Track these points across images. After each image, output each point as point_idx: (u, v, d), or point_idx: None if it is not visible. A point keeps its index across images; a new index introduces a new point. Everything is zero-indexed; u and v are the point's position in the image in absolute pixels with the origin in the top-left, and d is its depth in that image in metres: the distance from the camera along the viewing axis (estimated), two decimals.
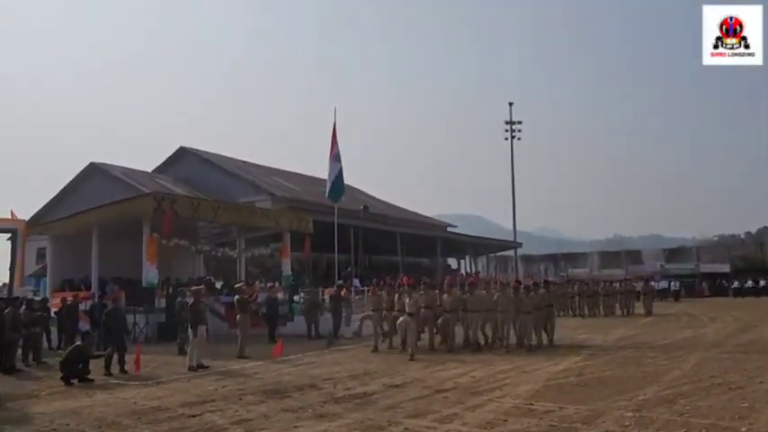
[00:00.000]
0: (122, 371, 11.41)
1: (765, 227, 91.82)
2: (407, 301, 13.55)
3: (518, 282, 15.77)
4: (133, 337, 16.69)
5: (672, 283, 42.56)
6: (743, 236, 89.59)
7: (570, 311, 25.40)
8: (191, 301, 12.66)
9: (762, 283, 43.32)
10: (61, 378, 10.41)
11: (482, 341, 14.14)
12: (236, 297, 14.97)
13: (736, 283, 44.66)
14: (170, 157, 37.84)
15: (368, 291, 17.79)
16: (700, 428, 6.18)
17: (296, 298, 21.62)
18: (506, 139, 46.59)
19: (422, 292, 14.45)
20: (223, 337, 15.92)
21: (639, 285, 28.27)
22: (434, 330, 14.36)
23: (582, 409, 7.22)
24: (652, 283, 32.36)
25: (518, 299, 13.78)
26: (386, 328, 14.80)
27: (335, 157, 22.74)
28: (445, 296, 14.29)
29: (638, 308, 25.94)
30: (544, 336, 14.44)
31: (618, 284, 27.12)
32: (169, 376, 10.99)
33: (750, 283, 43.69)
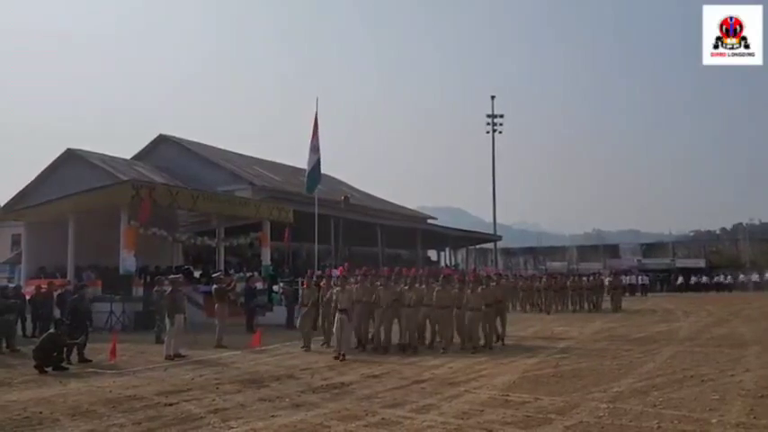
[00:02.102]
0: (83, 360, 11.27)
1: (740, 223, 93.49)
2: (341, 294, 11.90)
3: (461, 274, 14.10)
4: (109, 326, 16.56)
5: (640, 278, 41.57)
6: (718, 232, 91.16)
7: (537, 307, 24.43)
8: (168, 289, 12.56)
9: (728, 278, 44.16)
10: (35, 366, 10.28)
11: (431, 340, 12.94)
12: (214, 286, 14.89)
13: (681, 279, 45.23)
14: (149, 145, 37.31)
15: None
16: (672, 420, 6.28)
17: (275, 288, 21.53)
18: (488, 132, 46.71)
19: (356, 284, 12.68)
20: (201, 326, 15.79)
21: (608, 279, 27.10)
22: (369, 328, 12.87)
23: (557, 400, 7.30)
24: (622, 277, 31.29)
25: (462, 294, 12.46)
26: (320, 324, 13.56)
27: (314, 148, 22.53)
28: (381, 290, 12.52)
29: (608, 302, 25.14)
30: (496, 334, 13.24)
31: (586, 279, 25.92)
32: (145, 365, 10.91)
33: (701, 278, 44.45)
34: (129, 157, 36.65)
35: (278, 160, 44.45)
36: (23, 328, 15.89)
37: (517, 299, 24.78)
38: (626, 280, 36.57)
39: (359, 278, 12.99)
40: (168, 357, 11.52)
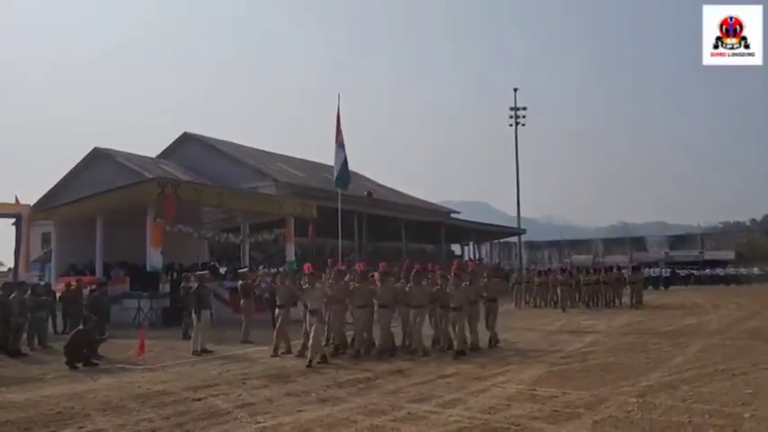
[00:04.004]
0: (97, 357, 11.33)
1: None
2: (311, 294, 10.73)
3: (429, 267, 12.79)
4: (137, 323, 16.81)
5: (663, 270, 40.51)
6: (748, 223, 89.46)
7: (551, 303, 23.16)
8: (195, 286, 12.68)
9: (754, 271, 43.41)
10: (66, 362, 10.45)
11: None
12: (240, 282, 15.01)
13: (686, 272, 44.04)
14: (174, 143, 37.79)
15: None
16: (703, 414, 6.17)
17: None
18: (511, 125, 46.45)
19: (330, 281, 11.50)
20: (227, 321, 15.96)
21: (627, 273, 24.80)
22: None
23: (585, 394, 7.22)
24: (643, 270, 29.52)
25: (439, 291, 11.43)
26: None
27: (340, 144, 22.55)
28: (356, 288, 11.45)
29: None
30: (478, 335, 11.67)
31: (603, 273, 23.90)
32: (173, 361, 11.02)
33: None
34: (154, 155, 37.13)
35: (301, 157, 44.71)
36: (54, 325, 16.17)
37: (529, 294, 24.18)
38: (648, 273, 35.38)
39: (332, 275, 11.77)
40: (195, 353, 11.63)
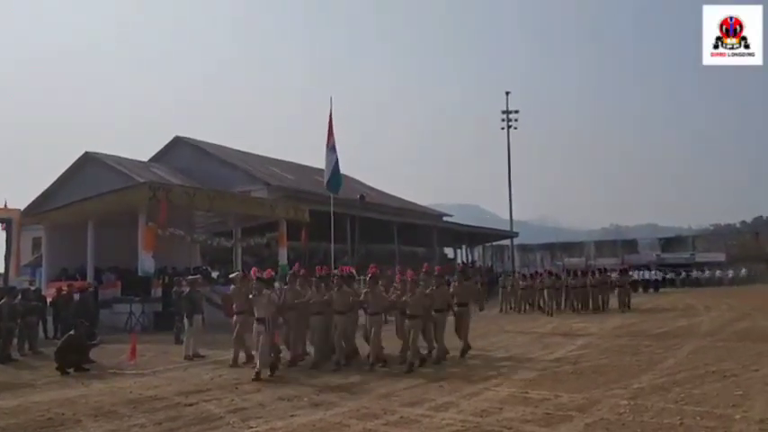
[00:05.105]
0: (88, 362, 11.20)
1: (761, 216, 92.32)
2: (258, 300, 9.67)
3: (395, 271, 11.79)
4: (129, 327, 16.72)
5: (653, 273, 40.25)
6: (738, 225, 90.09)
7: (537, 307, 22.47)
8: (187, 290, 12.65)
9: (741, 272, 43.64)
10: (57, 367, 10.39)
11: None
12: (232, 286, 14.95)
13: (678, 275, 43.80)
14: (165, 147, 37.66)
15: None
16: (694, 416, 6.20)
17: None
18: (503, 128, 46.53)
19: (286, 285, 10.94)
20: (219, 326, 15.89)
21: (616, 275, 23.93)
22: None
23: (577, 397, 7.24)
24: (632, 272, 29.13)
25: (398, 296, 10.51)
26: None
27: (332, 147, 22.44)
28: (312, 293, 10.71)
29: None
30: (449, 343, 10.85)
31: (591, 276, 22.88)
32: (165, 365, 10.98)
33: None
34: (145, 159, 37.00)
35: (293, 160, 44.65)
36: (45, 330, 16.06)
37: (513, 298, 23.61)
38: (637, 275, 35.17)
39: (288, 279, 11.20)
40: (187, 357, 11.60)
